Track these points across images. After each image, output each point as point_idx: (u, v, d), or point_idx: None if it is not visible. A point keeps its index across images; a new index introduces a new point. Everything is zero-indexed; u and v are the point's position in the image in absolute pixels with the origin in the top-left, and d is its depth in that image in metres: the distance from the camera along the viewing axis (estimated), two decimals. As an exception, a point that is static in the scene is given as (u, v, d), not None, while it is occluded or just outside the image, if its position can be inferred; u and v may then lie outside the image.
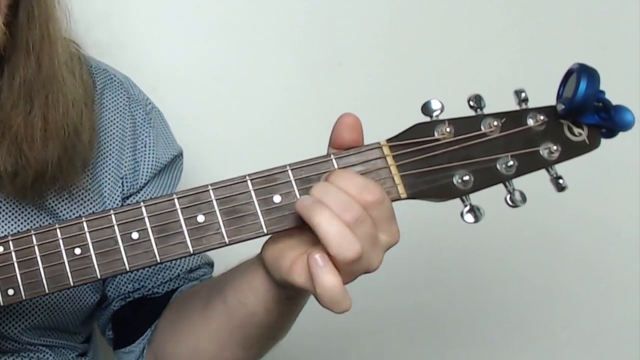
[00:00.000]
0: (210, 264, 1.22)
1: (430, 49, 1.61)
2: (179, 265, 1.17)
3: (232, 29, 1.53)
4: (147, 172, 1.17)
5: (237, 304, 0.97)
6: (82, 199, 1.12)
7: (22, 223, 1.08)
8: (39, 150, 1.03)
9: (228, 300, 0.99)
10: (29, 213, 1.09)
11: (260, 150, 1.54)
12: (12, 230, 1.07)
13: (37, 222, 1.08)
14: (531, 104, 0.92)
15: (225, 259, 1.06)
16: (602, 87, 0.88)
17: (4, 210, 1.08)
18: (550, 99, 0.93)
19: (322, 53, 1.57)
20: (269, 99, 1.55)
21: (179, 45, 1.52)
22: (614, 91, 0.93)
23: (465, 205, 0.89)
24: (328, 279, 0.83)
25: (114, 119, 1.17)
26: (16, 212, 1.08)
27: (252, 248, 0.94)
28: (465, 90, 1.55)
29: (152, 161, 1.18)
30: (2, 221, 1.07)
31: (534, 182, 0.91)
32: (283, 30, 1.55)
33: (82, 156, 1.09)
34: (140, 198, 1.16)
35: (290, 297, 0.94)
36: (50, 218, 1.09)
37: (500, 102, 1.37)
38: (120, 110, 1.18)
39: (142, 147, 1.18)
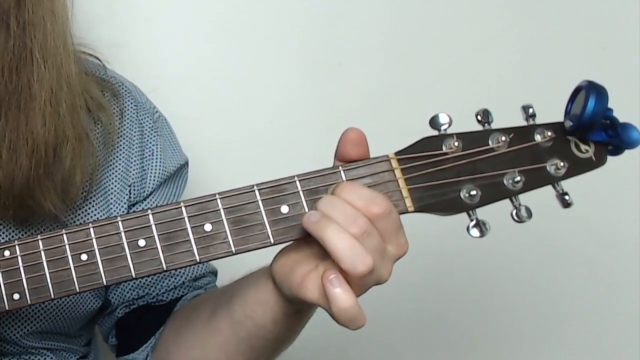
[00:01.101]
0: (214, 273, 1.23)
1: (431, 49, 1.61)
2: (183, 273, 1.17)
3: (233, 29, 1.52)
4: (154, 180, 1.17)
5: (244, 317, 0.98)
6: (87, 205, 1.12)
7: (25, 229, 1.07)
8: (5, 167, 0.99)
9: (235, 313, 0.99)
10: (33, 219, 1.08)
11: (260, 150, 1.54)
12: (17, 236, 1.06)
13: (41, 227, 1.08)
14: (531, 103, 0.92)
15: (230, 268, 1.06)
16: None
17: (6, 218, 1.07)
18: (550, 100, 0.93)
19: (322, 53, 1.57)
20: (269, 99, 1.54)
21: (179, 46, 1.51)
22: (614, 91, 0.94)
23: (472, 220, 0.90)
24: (344, 299, 0.84)
25: (122, 127, 1.16)
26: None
27: (258, 258, 0.95)
28: (465, 90, 1.58)
29: (160, 170, 1.17)
30: (7, 227, 1.07)
31: (540, 193, 0.92)
32: (283, 31, 1.55)
33: (61, 183, 1.03)
34: (146, 206, 1.16)
35: (298, 311, 0.95)
36: (54, 224, 1.08)
37: (500, 101, 1.38)
38: (128, 119, 1.17)
39: (149, 155, 1.17)
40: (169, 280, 1.17)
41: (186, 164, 1.24)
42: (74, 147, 1.04)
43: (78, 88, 1.05)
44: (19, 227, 1.06)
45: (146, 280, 1.16)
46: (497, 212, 0.92)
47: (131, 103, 1.19)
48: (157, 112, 1.22)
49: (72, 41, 1.05)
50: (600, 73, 1.55)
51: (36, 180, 1.01)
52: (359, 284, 0.85)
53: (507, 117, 0.94)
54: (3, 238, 1.06)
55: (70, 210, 1.09)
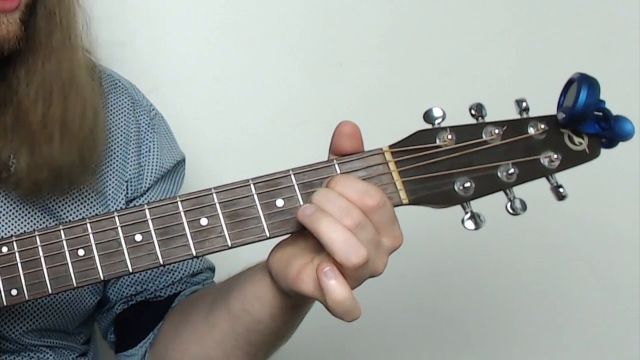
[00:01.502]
0: (212, 269, 1.23)
1: (431, 49, 1.61)
2: (181, 269, 1.18)
3: (233, 29, 1.53)
4: (150, 176, 1.18)
5: (241, 312, 0.98)
6: (85, 201, 1.13)
7: (25, 224, 1.09)
8: (56, 150, 1.04)
9: (232, 308, 0.99)
10: (31, 214, 1.09)
11: (260, 150, 1.54)
12: (15, 232, 1.07)
13: (40, 223, 1.09)
14: (531, 103, 0.93)
15: (227, 262, 1.07)
16: (602, 88, 0.89)
17: (6, 212, 1.08)
18: (550, 100, 0.94)
19: (322, 53, 1.57)
20: (269, 99, 1.55)
21: (179, 46, 1.52)
22: (614, 92, 0.94)
23: (466, 212, 0.90)
24: (339, 291, 0.84)
25: (119, 123, 1.17)
26: (19, 213, 1.09)
27: (254, 252, 0.95)
28: (466, 90, 1.58)
29: (156, 166, 1.19)
30: (5, 222, 1.08)
31: (534, 186, 0.92)
32: (283, 31, 1.55)
33: (96, 160, 1.10)
34: (142, 202, 1.16)
35: (295, 305, 0.95)
36: (52, 220, 1.10)
37: (500, 102, 1.38)
38: (125, 115, 1.19)
39: (146, 152, 1.18)
40: (167, 276, 1.18)
41: (183, 160, 1.25)
42: (100, 128, 1.10)
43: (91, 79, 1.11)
44: (19, 219, 1.08)
45: (144, 276, 1.17)
46: (495, 208, 0.92)
47: (128, 100, 1.20)
48: (153, 109, 1.24)
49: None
50: (600, 73, 1.57)
51: (80, 162, 1.07)
52: (354, 276, 0.85)
53: (507, 116, 0.94)
54: (3, 232, 1.07)
55: (69, 203, 1.11)
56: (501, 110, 0.96)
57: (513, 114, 0.93)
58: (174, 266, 1.17)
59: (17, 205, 1.09)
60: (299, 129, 1.56)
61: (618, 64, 1.63)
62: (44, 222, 1.09)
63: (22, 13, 1.01)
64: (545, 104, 0.95)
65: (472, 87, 1.61)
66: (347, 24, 1.58)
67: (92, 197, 1.13)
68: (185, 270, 1.18)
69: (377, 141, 0.94)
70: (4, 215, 1.08)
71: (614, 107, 0.91)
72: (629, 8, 1.64)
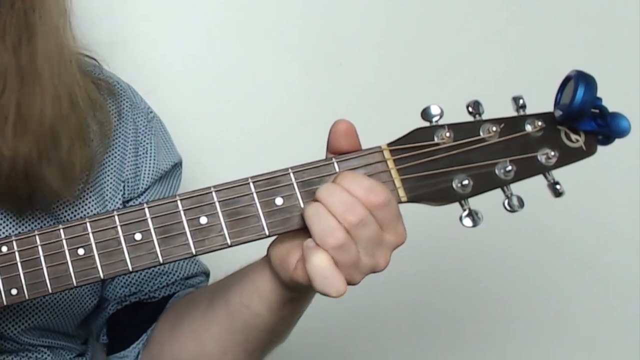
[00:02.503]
0: (207, 274, 1.23)
1: (430, 48, 1.61)
2: (176, 271, 1.18)
3: (232, 29, 1.53)
4: (147, 178, 1.18)
5: (240, 306, 0.98)
6: (83, 200, 1.13)
7: (22, 224, 1.08)
8: (9, 142, 1.01)
9: (231, 302, 1.00)
10: (30, 214, 1.09)
11: (260, 150, 1.54)
12: (13, 231, 1.07)
13: (38, 223, 1.09)
14: (530, 101, 0.93)
15: (225, 262, 1.07)
16: (601, 88, 0.90)
17: (5, 212, 1.08)
18: (548, 97, 0.94)
19: (322, 53, 1.58)
20: (269, 99, 1.55)
21: (178, 46, 1.52)
22: (613, 91, 0.95)
23: (464, 210, 0.90)
24: (317, 257, 0.85)
25: (117, 124, 1.17)
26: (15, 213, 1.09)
27: (253, 251, 0.95)
28: (465, 89, 1.58)
29: (153, 167, 1.19)
30: (4, 222, 1.08)
31: (533, 184, 0.92)
32: (283, 31, 1.55)
33: (61, 165, 1.05)
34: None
35: (293, 299, 0.96)
36: (51, 219, 1.09)
37: (500, 102, 1.38)
38: (123, 116, 1.18)
39: (143, 153, 1.19)
40: (163, 278, 1.18)
41: (180, 163, 1.25)
42: (74, 129, 1.06)
43: (78, 77, 1.08)
44: (19, 219, 1.07)
45: (139, 276, 1.17)
46: (494, 207, 0.92)
47: (126, 102, 1.20)
48: (151, 112, 1.24)
49: (72, 33, 1.08)
50: (599, 73, 1.57)
51: (39, 157, 1.02)
52: (352, 267, 0.86)
53: (506, 114, 0.94)
54: (3, 232, 1.07)
55: (67, 202, 1.10)
56: (500, 108, 0.96)
57: (512, 112, 0.94)
58: (169, 268, 1.17)
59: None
60: (299, 128, 1.56)
61: (617, 62, 1.63)
62: (41, 222, 1.09)
63: None
64: (543, 101, 0.95)
65: (471, 86, 1.61)
66: (347, 23, 1.59)
67: (90, 197, 1.13)
68: (180, 273, 1.19)
69: (376, 140, 0.94)
70: (2, 215, 1.08)
71: (613, 104, 0.91)
72: (628, 6, 1.65)
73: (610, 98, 0.91)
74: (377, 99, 1.59)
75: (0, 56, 1.02)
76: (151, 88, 1.29)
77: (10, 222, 1.08)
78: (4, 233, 1.07)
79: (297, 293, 0.94)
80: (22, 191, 1.03)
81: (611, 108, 0.91)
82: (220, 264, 1.11)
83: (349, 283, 0.87)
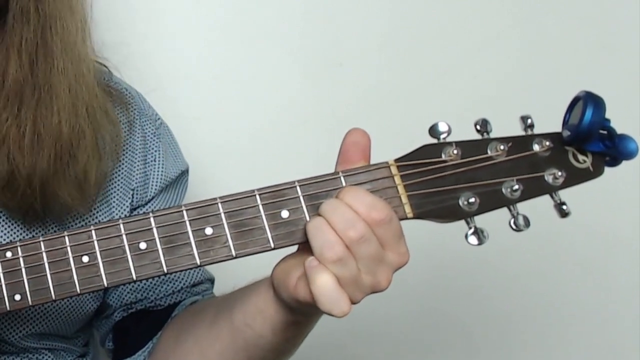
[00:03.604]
0: (212, 280, 1.24)
1: (431, 49, 1.61)
2: (182, 279, 1.18)
3: (233, 30, 1.53)
4: (155, 185, 1.18)
5: (244, 325, 0.98)
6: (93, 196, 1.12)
7: (28, 230, 1.08)
8: (28, 157, 1.02)
9: (235, 321, 1.00)
10: (38, 223, 1.09)
11: (260, 150, 1.54)
12: (18, 237, 1.07)
13: (43, 229, 1.09)
14: (531, 104, 0.93)
15: (229, 272, 1.07)
16: (602, 89, 0.90)
17: (11, 217, 1.08)
18: (549, 101, 0.94)
19: (322, 53, 1.57)
20: (269, 99, 1.55)
21: (179, 47, 1.52)
22: (613, 92, 0.95)
23: (470, 228, 0.91)
24: (321, 277, 0.85)
25: (127, 135, 1.17)
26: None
27: (258, 263, 0.95)
28: (466, 90, 1.58)
29: (161, 175, 1.19)
30: (10, 228, 1.08)
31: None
32: (283, 31, 1.55)
33: (77, 180, 1.06)
34: (146, 211, 1.16)
35: (297, 322, 0.96)
36: (56, 226, 1.09)
37: (499, 101, 1.39)
38: (133, 126, 1.18)
39: (152, 161, 1.19)
40: (168, 285, 1.18)
41: (187, 171, 1.25)
42: (90, 144, 1.06)
43: (95, 90, 1.08)
44: (27, 225, 1.07)
45: (145, 284, 1.17)
46: (496, 220, 0.93)
47: (134, 109, 1.20)
48: (159, 119, 1.24)
49: (90, 43, 1.09)
50: (599, 73, 1.57)
51: (55, 172, 1.03)
52: (352, 284, 0.86)
53: (507, 115, 0.95)
54: (9, 238, 1.07)
55: (85, 205, 1.09)
56: (500, 108, 0.97)
57: (513, 115, 0.94)
58: (175, 275, 1.17)
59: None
60: (299, 128, 1.56)
61: (618, 64, 1.63)
62: (46, 228, 1.09)
63: None
64: (545, 104, 0.96)
65: (472, 87, 1.61)
66: (347, 24, 1.58)
67: (96, 204, 1.13)
68: (186, 280, 1.19)
69: (377, 141, 0.94)
70: (8, 220, 1.07)
71: (614, 106, 0.92)
72: (629, 9, 1.65)
73: (611, 100, 0.91)
74: (377, 99, 1.60)
75: (16, 72, 1.02)
76: (151, 89, 1.28)
77: (15, 228, 1.07)
78: (8, 238, 1.07)
79: (300, 316, 0.94)
80: (37, 205, 1.04)
81: (612, 109, 0.91)
82: (225, 273, 1.11)
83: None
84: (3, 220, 1.07)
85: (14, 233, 1.07)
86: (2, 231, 1.07)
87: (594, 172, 0.91)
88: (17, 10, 1.02)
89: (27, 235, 1.07)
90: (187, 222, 0.91)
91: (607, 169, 0.93)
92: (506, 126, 0.95)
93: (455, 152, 0.91)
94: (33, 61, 1.03)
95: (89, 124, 1.06)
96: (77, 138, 1.04)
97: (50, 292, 0.91)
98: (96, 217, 1.13)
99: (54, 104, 1.03)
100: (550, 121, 0.94)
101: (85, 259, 0.91)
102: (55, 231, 1.08)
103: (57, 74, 1.03)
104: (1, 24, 1.02)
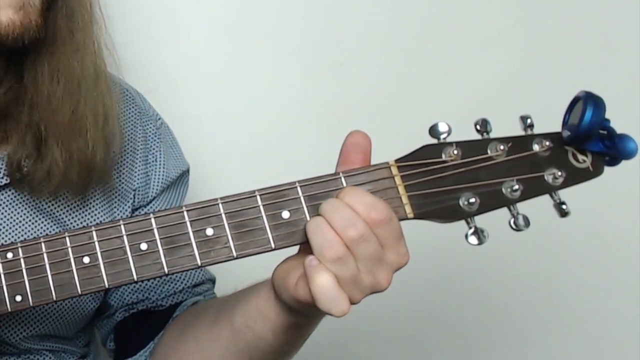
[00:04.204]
0: (213, 281, 1.24)
1: (431, 49, 1.61)
2: (184, 279, 1.18)
3: (233, 30, 1.53)
4: (157, 186, 1.18)
5: (244, 328, 0.98)
6: (90, 208, 1.13)
7: (30, 231, 1.09)
8: (87, 146, 1.06)
9: (236, 323, 1.00)
10: (37, 221, 1.09)
11: (260, 150, 1.55)
12: (20, 238, 1.07)
13: (45, 230, 1.09)
14: (531, 104, 0.93)
15: (229, 272, 1.07)
16: (602, 89, 0.90)
17: (12, 218, 1.08)
18: (550, 100, 0.94)
19: (322, 53, 1.58)
20: (270, 99, 1.55)
21: (179, 47, 1.52)
22: (613, 92, 0.95)
23: (470, 228, 0.91)
24: (321, 276, 0.85)
25: (126, 132, 1.17)
26: (25, 219, 1.09)
27: (259, 264, 0.95)
28: (466, 90, 1.58)
29: (162, 175, 1.19)
30: (11, 229, 1.08)
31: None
32: (283, 31, 1.55)
33: (114, 159, 1.12)
34: (147, 211, 1.17)
35: (298, 324, 0.96)
36: (58, 227, 1.10)
37: (499, 101, 1.38)
38: (132, 123, 1.19)
39: (153, 161, 1.19)
40: (169, 286, 1.18)
41: (188, 171, 1.26)
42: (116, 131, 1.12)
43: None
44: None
45: (146, 284, 1.17)
46: (496, 220, 0.93)
47: (134, 109, 1.21)
48: (159, 119, 1.24)
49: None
50: (600, 73, 1.57)
51: (104, 157, 1.09)
52: (352, 284, 0.86)
53: (507, 115, 0.95)
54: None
55: (75, 210, 1.12)
56: (500, 109, 0.97)
57: (513, 115, 0.94)
58: (176, 276, 1.18)
59: (23, 212, 1.09)
60: (300, 128, 1.56)
61: (618, 64, 1.64)
62: (49, 229, 1.09)
63: (40, 1, 1.01)
64: (545, 104, 0.96)
65: (472, 87, 1.61)
66: (348, 24, 1.59)
67: (97, 204, 1.13)
68: (187, 281, 1.19)
69: (378, 141, 0.94)
70: (9, 221, 1.08)
71: (614, 107, 0.92)
72: (629, 8, 1.65)
73: (611, 99, 0.91)
74: (378, 99, 1.60)
75: (72, 67, 1.07)
76: (151, 89, 1.28)
77: (16, 228, 1.08)
78: (9, 239, 1.07)
79: (301, 318, 0.94)
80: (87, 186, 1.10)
81: (612, 109, 0.91)
82: (226, 274, 1.11)
83: (350, 302, 0.87)
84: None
85: (16, 235, 1.08)
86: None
87: (594, 172, 0.91)
88: (64, 8, 1.07)
89: (26, 236, 1.08)
90: (188, 223, 0.91)
91: (606, 169, 0.93)
92: (506, 126, 0.95)
93: (455, 152, 0.91)
94: (83, 58, 1.08)
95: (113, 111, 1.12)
96: (114, 124, 1.10)
97: (51, 293, 0.91)
98: (97, 218, 1.13)
99: (102, 95, 1.09)
100: (550, 121, 0.94)
101: (86, 259, 0.91)
102: (55, 231, 1.08)
103: (98, 66, 1.10)
104: (52, 22, 1.05)
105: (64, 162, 1.05)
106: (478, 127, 0.92)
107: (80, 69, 1.07)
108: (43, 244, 0.91)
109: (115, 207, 1.15)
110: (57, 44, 1.05)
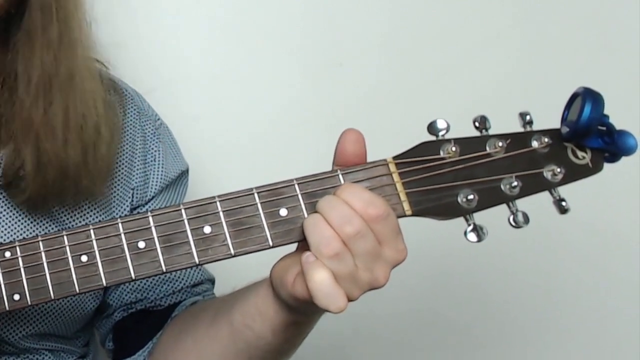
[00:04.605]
0: (212, 281, 1.24)
1: (431, 48, 1.61)
2: (182, 279, 1.18)
3: (232, 30, 1.53)
4: (156, 185, 1.18)
5: (243, 326, 0.98)
6: (88, 207, 1.13)
7: (28, 230, 1.09)
8: (60, 148, 1.04)
9: (235, 322, 1.00)
10: (35, 220, 1.09)
11: (260, 150, 1.54)
12: (18, 237, 1.07)
13: (43, 229, 1.09)
14: (531, 104, 0.93)
15: (228, 271, 1.07)
16: (602, 89, 0.89)
17: (10, 217, 1.08)
18: (550, 100, 0.94)
19: (322, 53, 1.57)
20: (269, 99, 1.55)
21: (179, 46, 1.52)
22: (613, 92, 0.95)
23: (469, 225, 0.90)
24: (318, 272, 0.85)
25: (125, 131, 1.17)
26: (22, 218, 1.09)
27: (257, 262, 0.95)
28: (466, 90, 1.58)
29: (161, 175, 1.19)
30: (9, 227, 1.08)
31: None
32: (283, 31, 1.55)
33: (103, 167, 1.09)
34: (145, 210, 1.16)
35: (297, 323, 0.95)
36: (56, 225, 1.10)
37: (499, 101, 1.38)
38: (131, 123, 1.19)
39: (152, 161, 1.19)
40: (168, 285, 1.18)
41: (187, 171, 1.26)
42: (108, 135, 1.09)
43: (101, 83, 1.10)
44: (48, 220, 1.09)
45: (145, 283, 1.17)
46: (495, 216, 0.93)
47: (133, 109, 1.21)
48: (158, 119, 1.24)
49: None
50: (599, 73, 1.57)
51: (83, 160, 1.06)
52: (349, 280, 0.86)
53: (507, 115, 0.95)
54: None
55: (73, 209, 1.10)
56: (500, 109, 0.96)
57: (513, 115, 0.94)
58: (175, 275, 1.17)
59: (21, 211, 1.08)
60: (299, 128, 1.56)
61: (617, 64, 1.63)
62: (47, 228, 1.09)
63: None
64: (545, 105, 0.95)
65: (472, 87, 1.61)
66: (347, 24, 1.59)
67: (96, 203, 1.13)
68: (186, 280, 1.19)
69: (377, 141, 0.94)
70: (7, 220, 1.08)
71: (613, 107, 0.91)
72: (629, 8, 1.65)
73: (611, 100, 0.91)
74: (377, 99, 1.60)
75: (42, 65, 1.04)
76: (151, 89, 1.28)
77: (14, 227, 1.07)
78: (7, 238, 1.07)
79: (300, 316, 0.94)
80: (67, 192, 1.07)
81: (612, 109, 0.91)
82: (224, 272, 1.11)
83: (347, 298, 0.87)
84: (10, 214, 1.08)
85: (14, 234, 1.08)
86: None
87: (593, 168, 0.91)
88: (38, 5, 1.04)
89: (24, 235, 1.07)
90: (186, 221, 0.91)
91: (606, 166, 0.93)
92: (506, 126, 0.95)
93: (453, 149, 0.90)
94: (56, 55, 1.05)
95: (106, 117, 1.09)
96: (99, 126, 1.07)
97: (50, 292, 0.91)
98: (96, 217, 1.13)
99: (79, 96, 1.06)
100: (550, 121, 0.94)
101: (84, 258, 0.91)
102: (53, 230, 1.08)
103: (77, 67, 1.06)
104: (23, 19, 1.04)
105: (33, 164, 1.03)
106: (477, 124, 0.92)
107: (54, 67, 1.04)
108: (41, 243, 0.91)
109: (113, 206, 1.15)
110: (30, 42, 1.04)
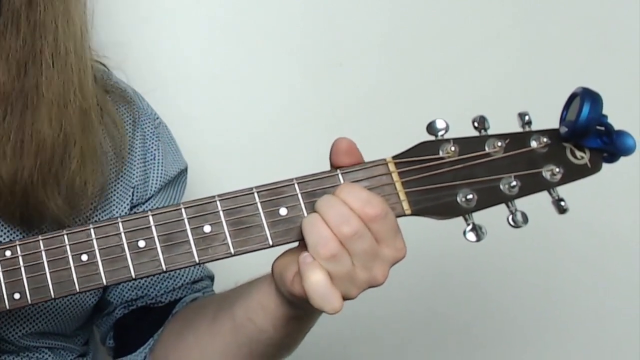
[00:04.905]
0: (212, 278, 1.24)
1: (431, 49, 1.61)
2: (183, 276, 1.19)
3: (232, 30, 1.53)
4: (155, 184, 1.19)
5: (245, 321, 0.98)
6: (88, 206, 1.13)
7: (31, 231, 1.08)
8: (11, 165, 1.00)
9: (237, 316, 1.00)
10: (37, 222, 1.09)
11: (260, 150, 1.54)
12: (16, 236, 1.07)
13: (42, 228, 1.08)
14: (531, 105, 0.93)
15: (228, 270, 1.07)
16: (601, 90, 0.90)
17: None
18: (549, 100, 0.94)
19: (321, 53, 1.57)
20: (269, 99, 1.55)
21: (179, 46, 1.51)
22: (613, 92, 0.95)
23: (468, 224, 0.91)
24: (313, 274, 0.85)
25: (129, 131, 1.17)
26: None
27: (257, 261, 0.95)
28: (466, 90, 1.58)
29: (161, 174, 1.19)
30: (7, 227, 1.07)
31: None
32: (283, 31, 1.55)
33: (67, 186, 1.04)
34: (145, 209, 1.17)
35: (298, 317, 0.96)
36: (54, 225, 1.09)
37: (499, 101, 1.38)
38: (130, 123, 1.18)
39: (151, 159, 1.19)
40: (169, 282, 1.18)
41: (186, 169, 1.26)
42: (83, 153, 1.05)
43: (91, 95, 1.06)
44: (24, 230, 1.07)
45: (145, 281, 1.17)
46: (494, 216, 0.93)
47: (133, 108, 1.20)
48: (157, 118, 1.24)
49: (89, 50, 1.07)
50: (599, 73, 1.57)
51: (40, 180, 1.02)
52: (347, 280, 0.86)
53: (507, 115, 0.95)
54: (6, 238, 1.07)
55: (75, 215, 1.08)
56: (500, 109, 0.97)
57: (512, 115, 0.94)
58: (175, 272, 1.18)
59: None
60: (299, 128, 1.56)
61: (617, 64, 1.63)
62: (46, 227, 1.08)
63: None
64: (545, 105, 0.95)
65: (472, 87, 1.61)
66: (347, 24, 1.58)
67: (95, 203, 1.13)
68: (186, 277, 1.19)
69: (377, 141, 0.95)
70: (11, 220, 1.07)
71: (613, 107, 0.92)
72: (629, 8, 1.65)
73: (611, 100, 0.91)
74: (377, 99, 1.60)
75: (3, 80, 1.01)
76: (151, 89, 1.28)
77: (11, 227, 1.07)
78: (6, 237, 1.07)
79: (301, 310, 0.94)
80: (24, 214, 1.03)
81: (612, 109, 0.91)
82: (224, 271, 1.11)
83: (346, 297, 0.88)
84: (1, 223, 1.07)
85: (13, 234, 1.07)
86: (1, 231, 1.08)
87: (592, 168, 0.91)
88: (7, 18, 1.01)
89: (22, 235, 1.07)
90: (186, 220, 0.91)
91: (605, 166, 0.93)
92: (505, 126, 0.95)
93: (452, 148, 0.91)
94: (22, 70, 1.01)
95: (81, 130, 1.04)
96: (63, 146, 1.03)
97: (50, 291, 0.91)
98: (96, 216, 1.13)
99: (41, 112, 1.01)
100: (549, 122, 0.94)
101: (84, 257, 0.91)
102: (53, 229, 1.07)
103: (45, 82, 1.01)
104: None
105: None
106: (476, 124, 0.92)
107: (12, 80, 1.01)
108: (41, 242, 0.91)
109: (113, 204, 1.15)
110: (9, 25, 1.01)
